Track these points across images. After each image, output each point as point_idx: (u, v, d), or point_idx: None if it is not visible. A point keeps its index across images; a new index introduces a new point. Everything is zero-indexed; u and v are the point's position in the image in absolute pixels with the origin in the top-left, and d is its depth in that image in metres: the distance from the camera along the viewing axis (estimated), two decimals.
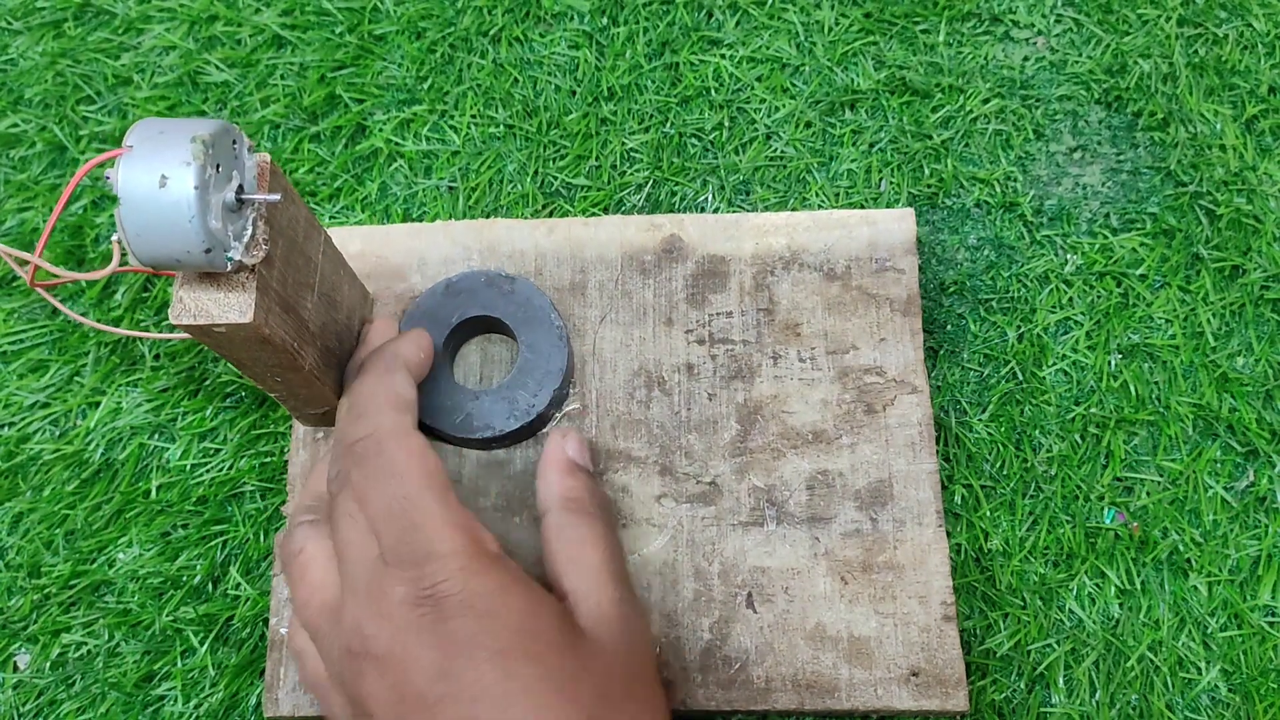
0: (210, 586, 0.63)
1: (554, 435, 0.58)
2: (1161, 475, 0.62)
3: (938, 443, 0.61)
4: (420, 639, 0.45)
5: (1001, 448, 0.63)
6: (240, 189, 0.44)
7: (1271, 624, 0.59)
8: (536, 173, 0.71)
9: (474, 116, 0.73)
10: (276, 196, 0.45)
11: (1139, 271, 0.67)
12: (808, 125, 0.72)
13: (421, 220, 0.70)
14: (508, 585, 0.47)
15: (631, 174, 0.71)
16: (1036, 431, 0.63)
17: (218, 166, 0.42)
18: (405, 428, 0.51)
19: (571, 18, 0.76)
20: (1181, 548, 0.61)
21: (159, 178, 0.40)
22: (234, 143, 0.44)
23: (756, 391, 0.62)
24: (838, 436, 0.61)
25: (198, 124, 0.42)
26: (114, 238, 0.42)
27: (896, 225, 0.64)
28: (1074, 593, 0.60)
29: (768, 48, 0.74)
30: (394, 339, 0.57)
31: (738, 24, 0.75)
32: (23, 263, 0.46)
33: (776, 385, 0.62)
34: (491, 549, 0.48)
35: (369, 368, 0.54)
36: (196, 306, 0.45)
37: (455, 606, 0.45)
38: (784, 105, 0.72)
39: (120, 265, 0.44)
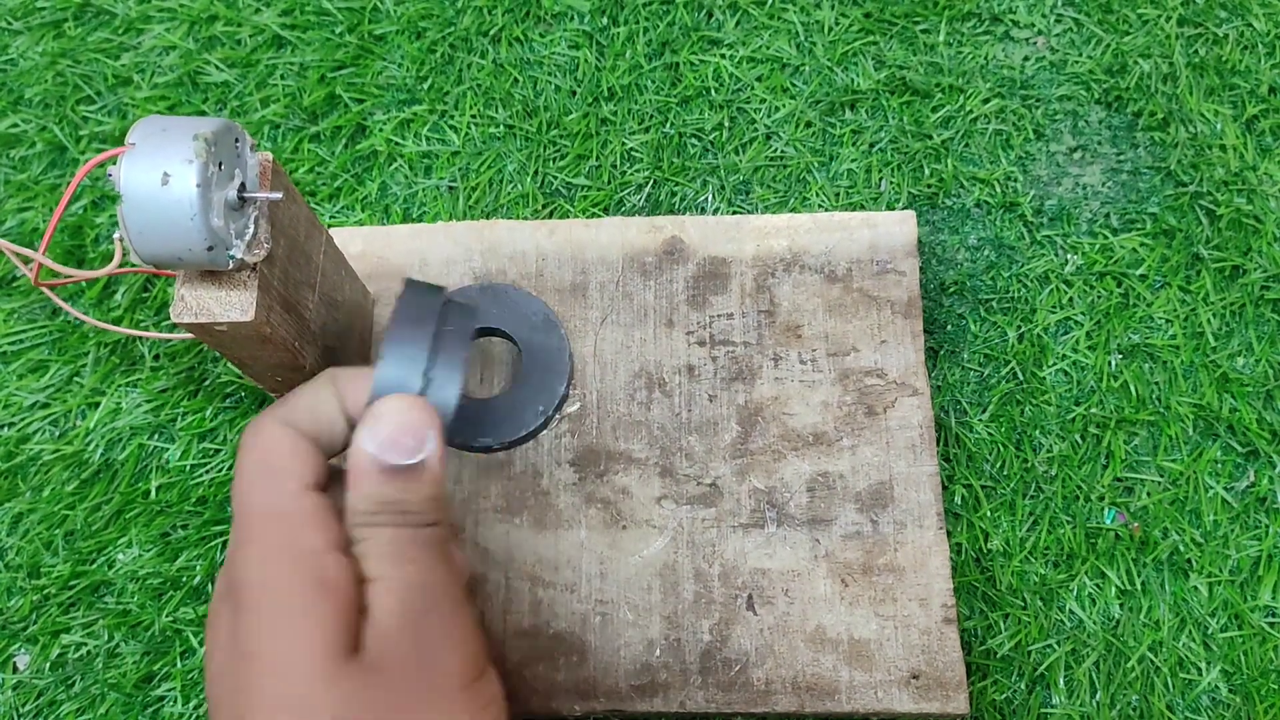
0: (210, 587, 0.62)
1: (360, 427, 0.43)
2: (1162, 475, 0.62)
3: (938, 443, 0.61)
4: (213, 633, 0.42)
5: (1002, 448, 0.63)
6: (242, 187, 0.44)
7: (1272, 624, 0.59)
8: (537, 172, 0.71)
9: (474, 116, 0.73)
10: (278, 195, 0.45)
11: (1139, 271, 0.67)
12: (808, 125, 0.72)
13: (421, 220, 0.70)
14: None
15: (631, 174, 0.70)
16: (1037, 432, 0.63)
17: (220, 165, 0.42)
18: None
19: (571, 18, 0.76)
20: (1182, 548, 0.61)
21: (161, 175, 0.40)
22: (236, 141, 0.44)
23: (757, 393, 0.61)
24: (838, 438, 0.61)
25: (200, 122, 0.41)
26: (116, 235, 0.42)
27: (897, 228, 0.64)
28: (1074, 593, 0.60)
29: (768, 48, 0.74)
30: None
31: (738, 24, 0.75)
32: (26, 260, 0.46)
33: (777, 387, 0.62)
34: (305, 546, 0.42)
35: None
36: (198, 305, 0.45)
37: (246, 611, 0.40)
38: (784, 105, 0.72)
39: (122, 263, 0.44)
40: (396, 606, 0.42)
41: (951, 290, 0.67)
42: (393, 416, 0.43)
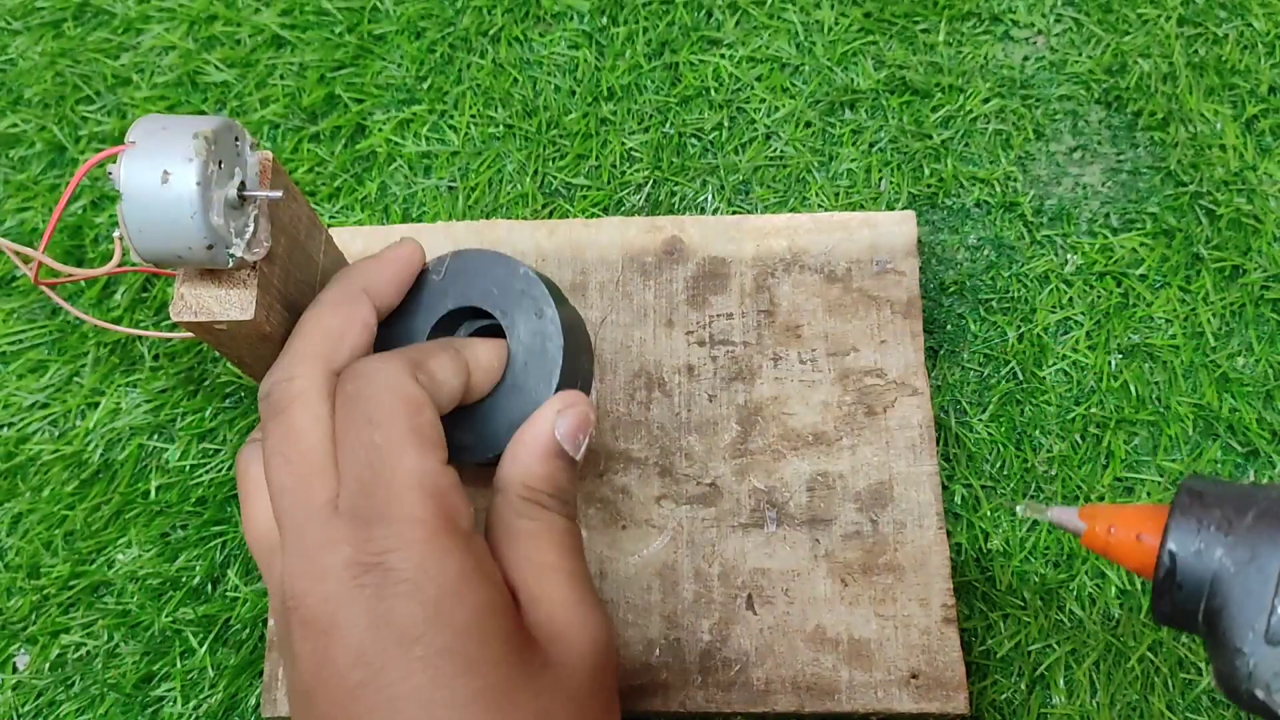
0: (209, 587, 0.62)
1: (549, 406, 0.47)
2: (1162, 475, 0.62)
3: (938, 443, 0.61)
4: (353, 612, 0.39)
5: (1002, 448, 0.63)
6: (242, 185, 0.44)
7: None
8: (536, 172, 0.71)
9: (473, 116, 0.73)
10: (278, 193, 0.45)
11: (1139, 271, 0.67)
12: (807, 125, 0.71)
13: (421, 220, 0.70)
14: (467, 574, 0.40)
15: (631, 174, 0.70)
16: (1037, 431, 0.63)
17: (220, 163, 0.42)
18: (403, 371, 0.44)
19: (571, 17, 0.76)
20: None
21: (161, 173, 0.40)
22: (236, 139, 0.44)
23: (757, 393, 0.61)
24: (838, 438, 0.60)
25: (200, 120, 0.41)
26: (116, 234, 0.42)
27: (897, 228, 0.64)
28: (1074, 593, 0.60)
29: (767, 47, 0.74)
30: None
31: (737, 24, 0.75)
32: (26, 259, 0.46)
33: (777, 387, 0.62)
34: (464, 525, 0.42)
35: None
36: (197, 303, 0.45)
37: (402, 585, 0.39)
38: (784, 105, 0.72)
39: (122, 262, 0.44)
40: (572, 597, 0.44)
41: (951, 290, 0.67)
42: (581, 409, 0.47)
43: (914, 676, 0.56)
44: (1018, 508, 0.39)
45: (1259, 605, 0.31)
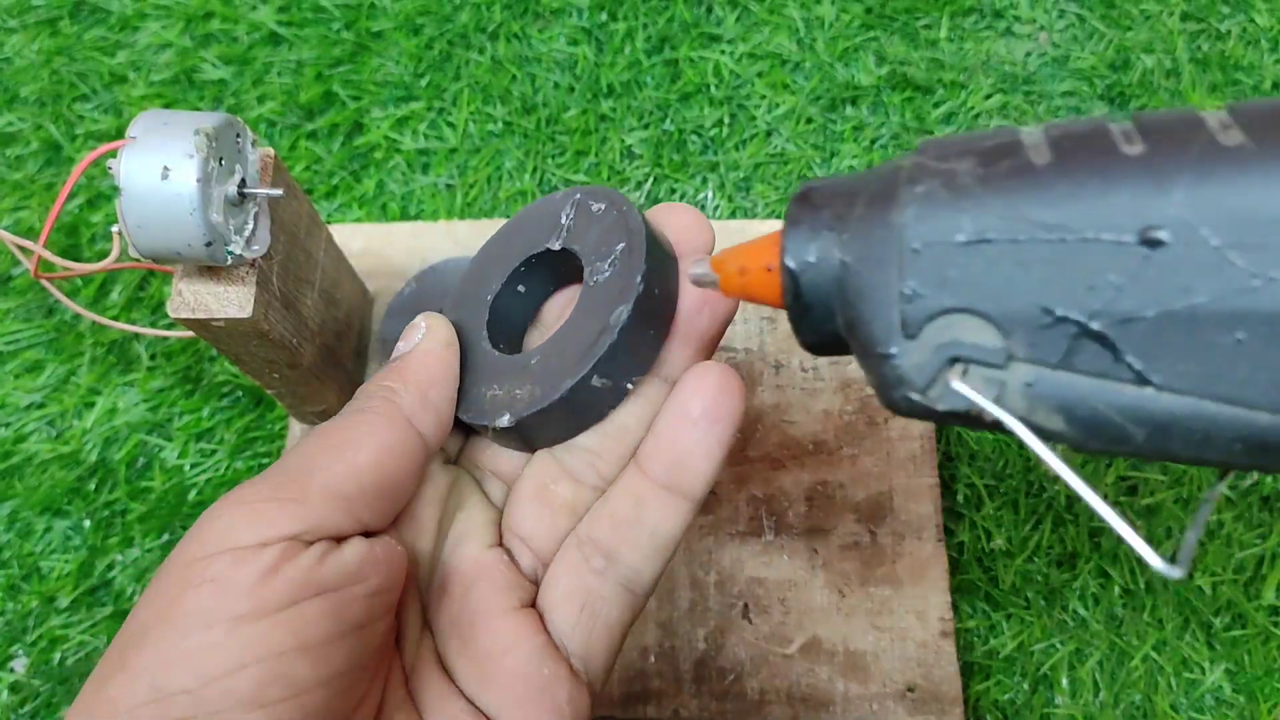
0: None
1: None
2: (1165, 474, 0.62)
3: (941, 441, 0.61)
4: None
5: (1005, 446, 0.63)
6: (242, 183, 0.43)
7: (1275, 624, 0.59)
8: (535, 169, 0.71)
9: (472, 113, 0.73)
10: (279, 191, 0.44)
11: None
12: (809, 121, 0.71)
13: (419, 218, 0.70)
14: None
15: (631, 171, 0.70)
16: None
17: (220, 160, 0.42)
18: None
19: (570, 14, 0.75)
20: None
21: (161, 169, 0.39)
22: (237, 136, 0.43)
23: (757, 400, 0.61)
24: (838, 448, 0.60)
25: (201, 117, 0.41)
26: (115, 229, 0.42)
27: None
28: (1077, 592, 0.60)
29: (768, 43, 0.74)
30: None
31: (738, 19, 0.75)
32: (26, 252, 0.46)
33: (778, 394, 0.61)
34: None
35: None
36: (196, 300, 0.45)
37: None
38: (784, 101, 0.72)
39: (120, 257, 0.44)
40: None
41: None
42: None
43: (910, 690, 0.56)
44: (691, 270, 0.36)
45: (888, 298, 0.28)
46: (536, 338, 0.43)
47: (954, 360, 0.27)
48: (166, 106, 0.75)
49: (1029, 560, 0.60)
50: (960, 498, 0.62)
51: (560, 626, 0.38)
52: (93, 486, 0.64)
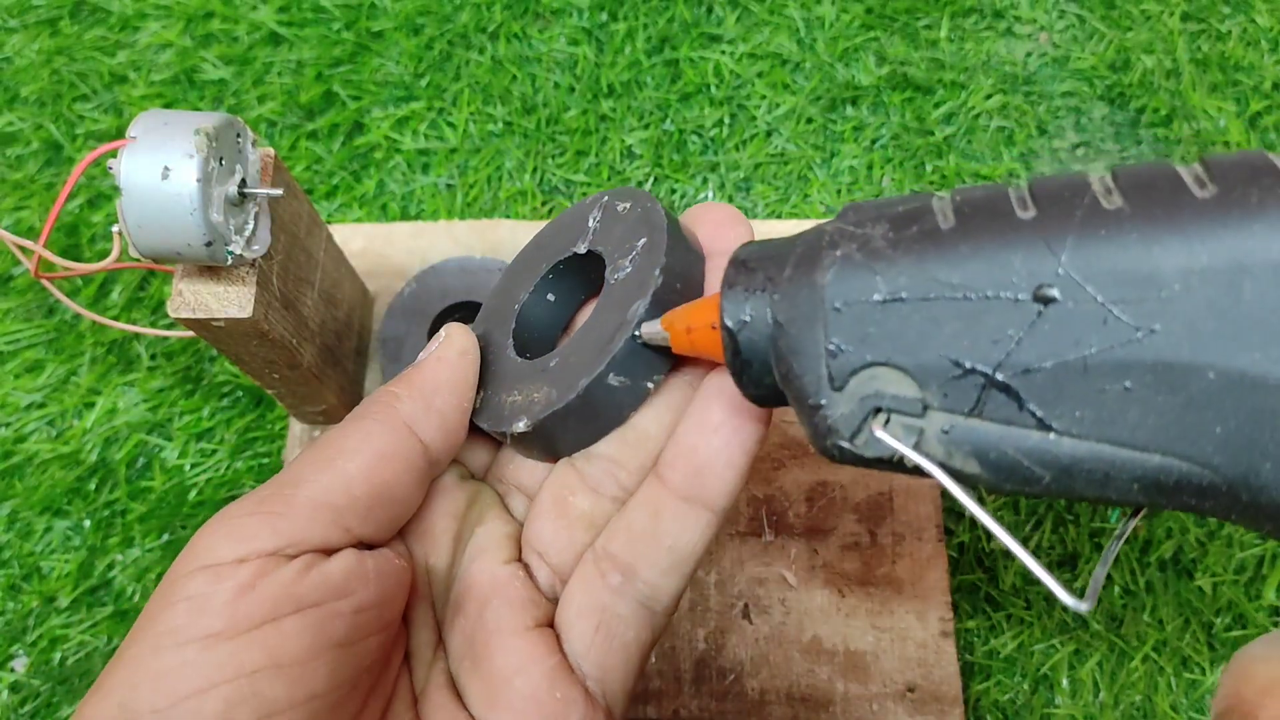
0: None
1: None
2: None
3: None
4: None
5: None
6: (243, 183, 0.43)
7: (1276, 624, 0.59)
8: (535, 169, 0.71)
9: (472, 113, 0.73)
10: (279, 191, 0.44)
11: None
12: (809, 121, 0.71)
13: (419, 218, 0.70)
14: None
15: (631, 171, 0.70)
16: None
17: (221, 159, 0.41)
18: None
19: (570, 13, 0.75)
20: (1186, 548, 0.60)
21: (162, 169, 0.39)
22: (238, 136, 0.43)
23: None
24: None
25: (202, 117, 0.41)
26: (115, 229, 0.42)
27: None
28: (1078, 593, 0.60)
29: (768, 44, 0.73)
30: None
31: (738, 19, 0.75)
32: (26, 252, 0.46)
33: None
34: None
35: None
36: (196, 300, 0.45)
37: None
38: (785, 101, 0.72)
39: (121, 257, 0.44)
40: None
41: None
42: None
43: (910, 690, 0.56)
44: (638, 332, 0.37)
45: (815, 353, 0.29)
46: None
47: (877, 410, 0.29)
48: (167, 106, 0.74)
49: None
50: None
51: (576, 646, 0.36)
52: (93, 486, 0.64)
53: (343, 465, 0.34)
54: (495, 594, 0.37)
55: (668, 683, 0.56)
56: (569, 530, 0.38)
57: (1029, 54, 0.73)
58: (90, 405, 0.66)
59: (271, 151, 0.46)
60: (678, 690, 0.56)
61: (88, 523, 0.63)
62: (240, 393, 0.66)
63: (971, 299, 0.28)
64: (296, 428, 0.62)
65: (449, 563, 0.38)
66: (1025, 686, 0.58)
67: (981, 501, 0.28)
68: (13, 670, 0.61)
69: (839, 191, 0.69)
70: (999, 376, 0.27)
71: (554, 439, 0.38)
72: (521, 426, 0.37)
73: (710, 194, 0.69)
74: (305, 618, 0.31)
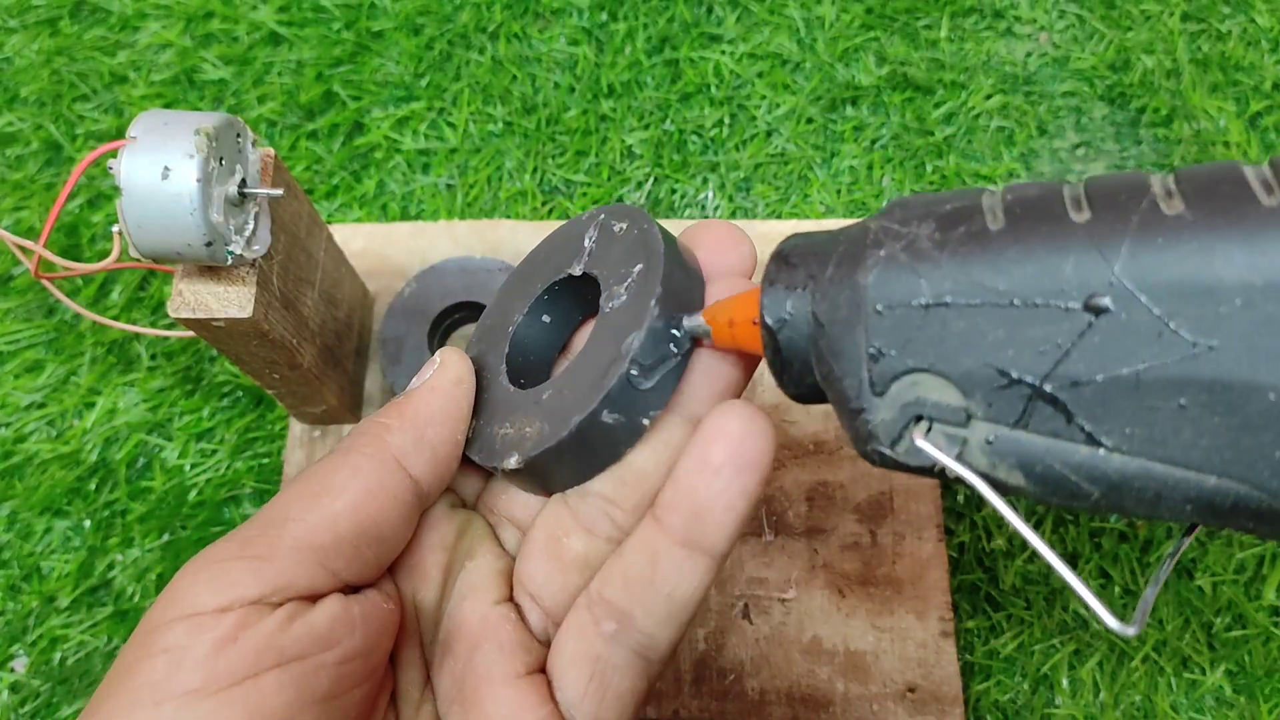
0: None
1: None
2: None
3: None
4: None
5: None
6: (243, 183, 0.43)
7: (1276, 624, 0.59)
8: (535, 169, 0.71)
9: (472, 113, 0.73)
10: (279, 191, 0.44)
11: None
12: (809, 121, 0.71)
13: (419, 218, 0.70)
14: None
15: (631, 171, 0.70)
16: None
17: (221, 159, 0.41)
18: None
19: (570, 13, 0.75)
20: (1186, 548, 0.60)
21: (162, 169, 0.39)
22: (238, 136, 0.43)
23: (758, 401, 0.61)
24: (839, 448, 0.60)
25: (202, 117, 0.41)
26: (115, 229, 0.42)
27: None
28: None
29: (768, 44, 0.73)
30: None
31: (738, 19, 0.75)
32: (27, 252, 0.46)
33: (778, 394, 0.61)
34: None
35: None
36: (196, 300, 0.45)
37: None
38: (785, 102, 0.72)
39: (121, 257, 0.44)
40: None
41: None
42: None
43: (911, 690, 0.55)
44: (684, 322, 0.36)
45: (856, 357, 0.28)
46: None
47: (919, 418, 0.28)
48: (167, 106, 0.74)
49: (1029, 560, 0.60)
50: (960, 498, 0.62)
51: (568, 695, 0.35)
52: (93, 486, 0.64)
53: (329, 503, 0.33)
54: (486, 637, 0.36)
55: (668, 683, 0.56)
56: (563, 573, 0.37)
57: (1029, 54, 0.73)
58: (90, 405, 0.66)
59: (271, 151, 0.46)
60: (678, 690, 0.56)
61: (88, 523, 0.63)
62: (240, 393, 0.66)
63: (1019, 306, 0.27)
64: (296, 428, 0.62)
65: (438, 597, 0.37)
66: (1025, 686, 0.58)
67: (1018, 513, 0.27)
68: (13, 670, 0.61)
69: (839, 191, 0.69)
70: (1046, 388, 0.26)
71: (547, 475, 0.37)
72: (513, 463, 0.36)
73: (710, 194, 0.69)
74: (288, 672, 0.30)
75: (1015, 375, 0.27)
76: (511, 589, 0.37)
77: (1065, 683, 0.58)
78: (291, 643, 0.30)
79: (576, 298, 0.41)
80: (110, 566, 0.62)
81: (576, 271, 0.39)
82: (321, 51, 0.75)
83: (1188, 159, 0.69)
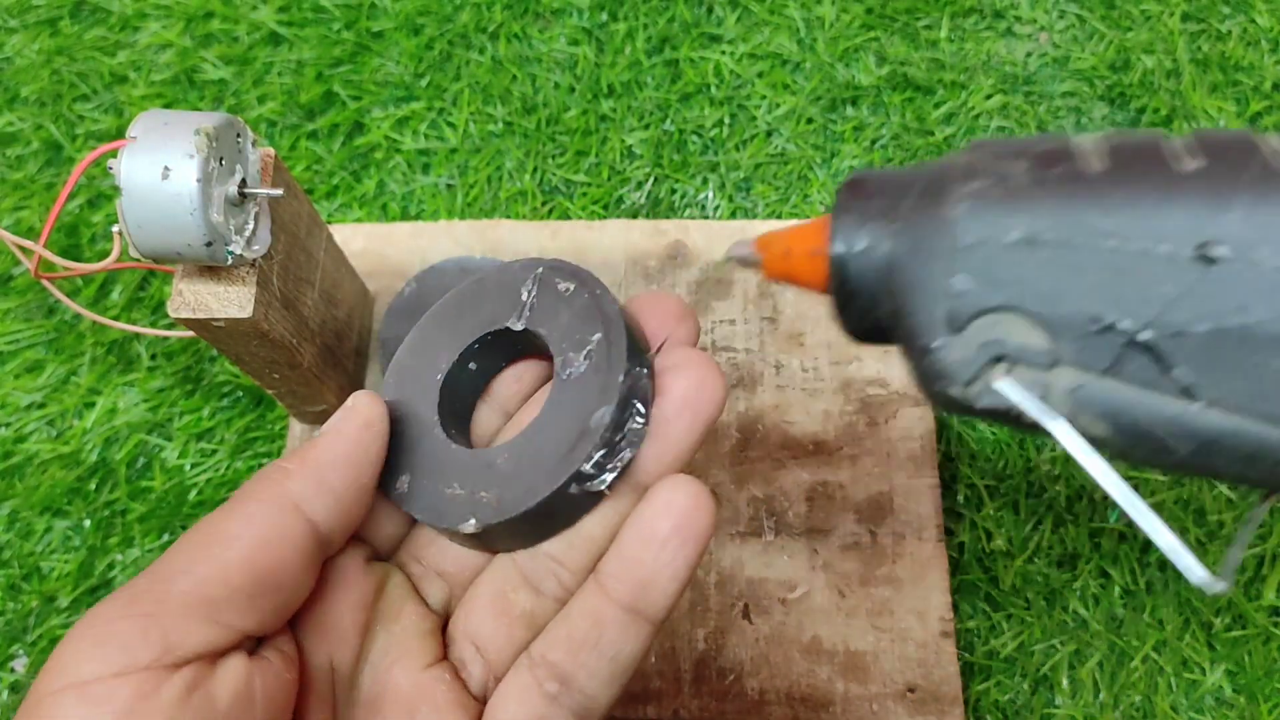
0: None
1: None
2: (1165, 474, 0.62)
3: (941, 441, 0.61)
4: None
5: (1005, 446, 0.63)
6: (243, 183, 0.43)
7: (1276, 624, 0.59)
8: (536, 170, 0.71)
9: (472, 113, 0.73)
10: (279, 191, 0.44)
11: None
12: (809, 121, 0.71)
13: (419, 218, 0.70)
14: None
15: (631, 171, 0.70)
16: None
17: (221, 159, 0.41)
18: None
19: (570, 13, 0.75)
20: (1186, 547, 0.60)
21: (162, 169, 0.39)
22: (238, 136, 0.43)
23: (758, 400, 0.61)
24: (839, 448, 0.60)
25: (202, 117, 0.41)
26: (115, 229, 0.42)
27: None
28: (1078, 593, 0.60)
29: (768, 44, 0.73)
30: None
31: (738, 19, 0.75)
32: (27, 252, 0.46)
33: (778, 395, 0.61)
34: None
35: None
36: (196, 300, 0.45)
37: None
38: (785, 102, 0.72)
39: (121, 257, 0.44)
40: None
41: None
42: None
43: (910, 690, 0.55)
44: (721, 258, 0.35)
45: (935, 292, 0.27)
46: (486, 414, 0.41)
47: (998, 359, 0.27)
48: (167, 106, 0.74)
49: (1029, 560, 0.60)
50: (960, 498, 0.62)
51: None
52: (93, 486, 0.64)
53: (220, 553, 0.32)
54: (422, 700, 0.35)
55: (668, 683, 0.56)
56: (509, 628, 0.36)
57: (1029, 54, 0.73)
58: (90, 405, 0.66)
59: (271, 151, 0.46)
60: (678, 690, 0.56)
61: (88, 523, 0.63)
62: (240, 393, 0.66)
63: (1122, 250, 0.26)
64: (296, 428, 0.62)
65: (354, 659, 0.36)
66: (1025, 686, 0.58)
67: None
68: (13, 670, 0.61)
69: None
70: (1144, 336, 0.26)
71: (502, 540, 0.37)
72: (470, 528, 0.35)
73: (710, 194, 0.69)
74: None
75: (1110, 321, 0.26)
76: (443, 649, 0.37)
77: (1065, 683, 0.58)
78: (196, 716, 0.29)
79: (506, 348, 0.41)
80: (110, 566, 0.62)
81: (517, 326, 0.39)
82: (321, 51, 0.75)
83: None
